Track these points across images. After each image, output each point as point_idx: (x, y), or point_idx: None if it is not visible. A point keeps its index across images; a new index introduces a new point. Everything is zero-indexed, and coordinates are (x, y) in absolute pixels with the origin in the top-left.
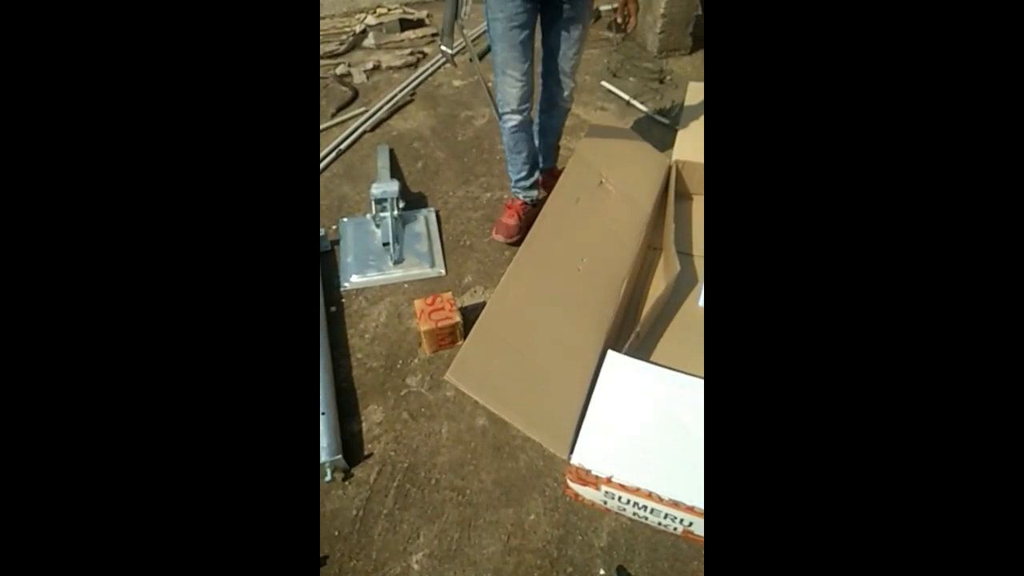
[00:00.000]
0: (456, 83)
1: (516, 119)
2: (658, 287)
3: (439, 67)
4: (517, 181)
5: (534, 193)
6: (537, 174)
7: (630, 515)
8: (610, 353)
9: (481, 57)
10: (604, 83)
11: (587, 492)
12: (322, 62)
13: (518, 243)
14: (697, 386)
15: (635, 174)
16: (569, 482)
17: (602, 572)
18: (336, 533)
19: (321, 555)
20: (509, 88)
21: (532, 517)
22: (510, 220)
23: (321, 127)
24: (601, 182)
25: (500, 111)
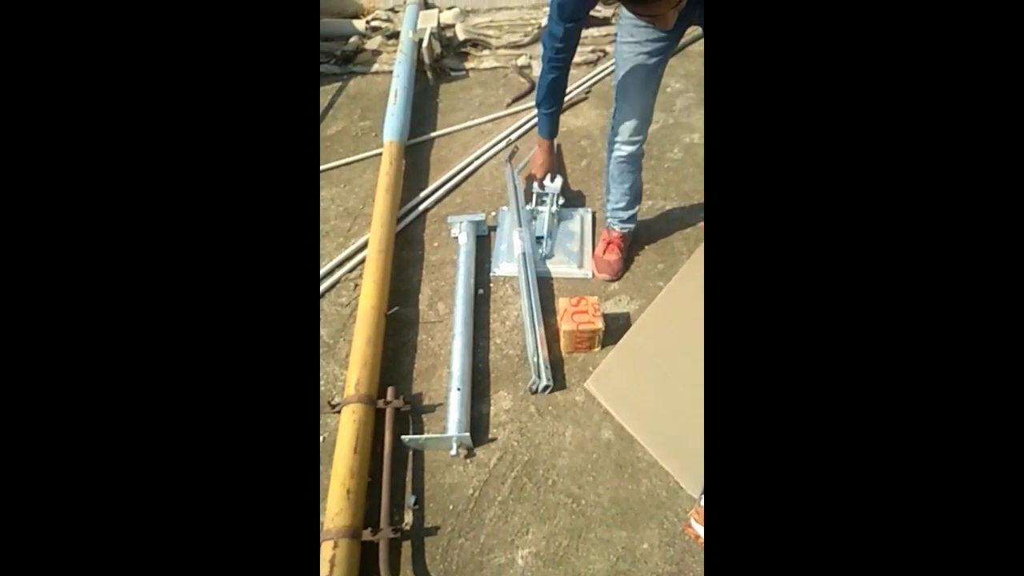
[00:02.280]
0: None
1: (627, 150)
2: None
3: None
4: (615, 211)
5: (632, 226)
6: (637, 207)
7: None
8: None
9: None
10: None
11: None
12: (504, 52)
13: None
14: None
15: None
16: (692, 522)
17: None
18: (451, 507)
19: (433, 525)
20: (626, 117)
21: (645, 546)
22: (612, 256)
23: (496, 115)
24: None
25: (611, 139)
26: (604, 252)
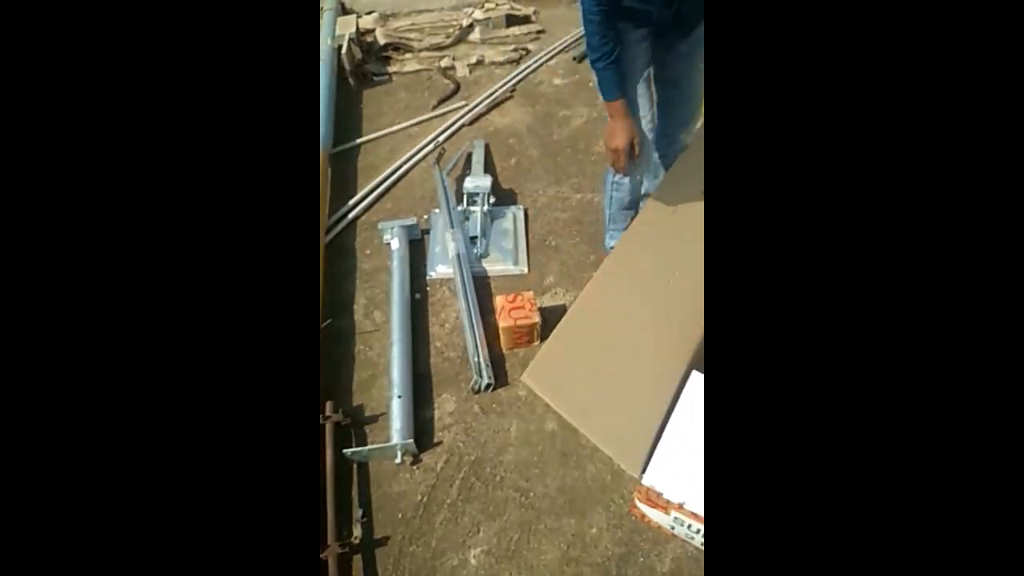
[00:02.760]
0: (557, 81)
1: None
2: None
3: (541, 65)
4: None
5: None
6: None
7: (698, 544)
8: (694, 374)
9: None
10: None
11: (655, 515)
12: (427, 54)
13: None
14: None
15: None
16: (637, 502)
17: None
18: (400, 516)
19: (383, 535)
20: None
21: (594, 531)
22: None
23: (422, 118)
24: (703, 191)
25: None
26: None
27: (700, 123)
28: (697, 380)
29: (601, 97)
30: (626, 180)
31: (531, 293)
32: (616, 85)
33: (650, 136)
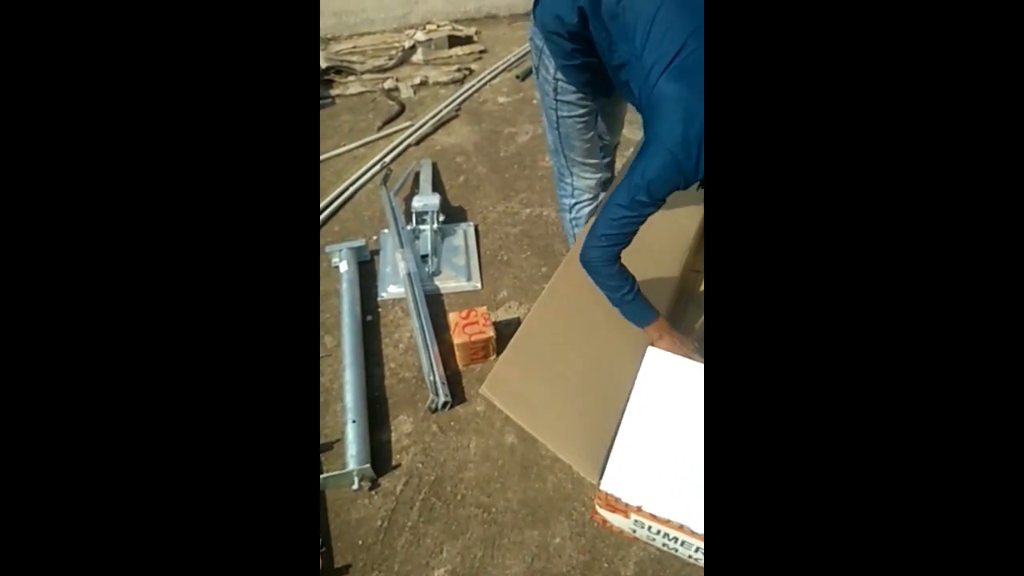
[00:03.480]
0: (501, 100)
1: (593, 205)
2: (700, 311)
3: (484, 84)
4: None
5: None
6: None
7: (659, 546)
8: (649, 349)
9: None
10: None
11: (615, 519)
12: (371, 76)
13: None
14: None
15: (678, 194)
16: (597, 508)
17: None
18: (360, 542)
19: (344, 564)
20: (590, 175)
21: (558, 540)
22: None
23: (367, 140)
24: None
25: (572, 201)
26: None
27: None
28: (652, 356)
29: (638, 327)
30: (583, 212)
31: (484, 308)
32: (647, 307)
33: (602, 176)
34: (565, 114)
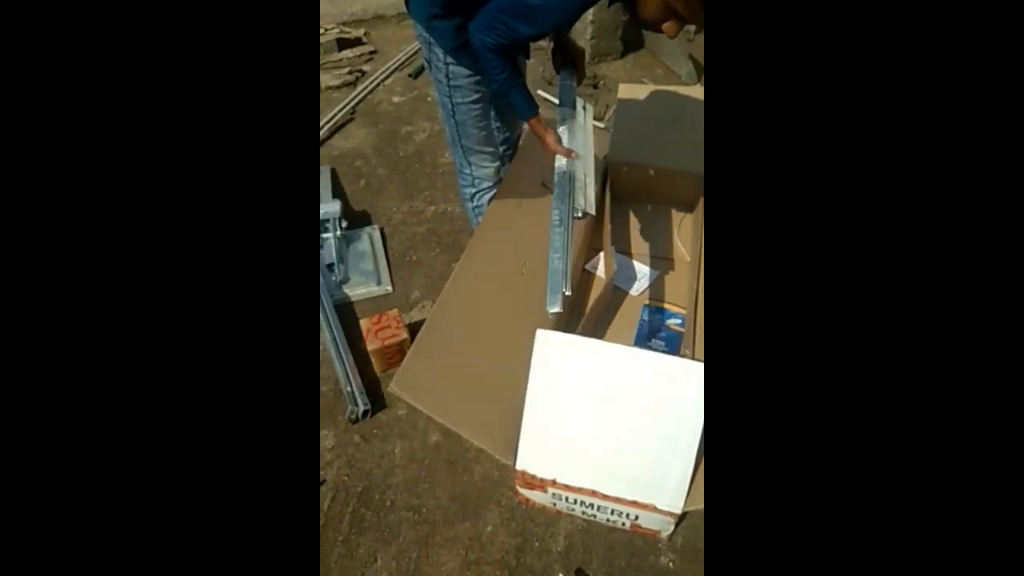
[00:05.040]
0: (396, 99)
1: (493, 192)
2: (598, 288)
3: (378, 85)
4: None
5: None
6: None
7: (580, 514)
8: (539, 332)
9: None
10: (540, 92)
11: (536, 496)
12: None
13: None
14: (630, 354)
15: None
16: (519, 488)
17: None
18: None
19: None
20: (488, 163)
21: (489, 529)
22: None
23: None
24: (543, 183)
25: (472, 191)
26: None
27: (525, 128)
28: (542, 338)
29: (522, 118)
30: (484, 199)
31: (396, 311)
32: (528, 100)
33: (499, 163)
34: (459, 100)
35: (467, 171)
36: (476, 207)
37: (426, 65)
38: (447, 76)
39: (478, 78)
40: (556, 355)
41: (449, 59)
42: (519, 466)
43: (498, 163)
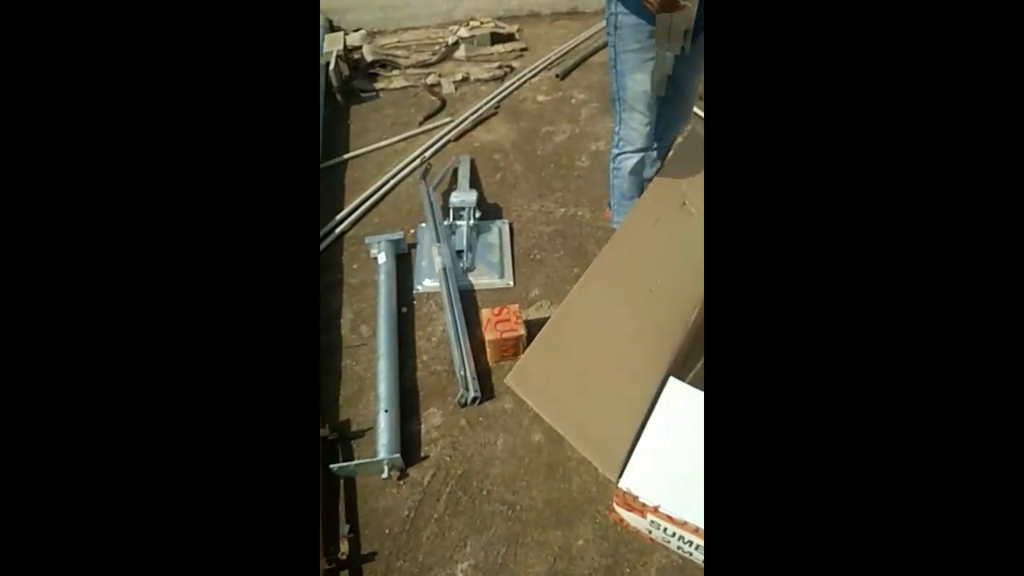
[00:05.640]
0: (540, 98)
1: (637, 158)
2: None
3: (524, 82)
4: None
5: None
6: None
7: (675, 548)
8: (671, 380)
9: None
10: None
11: (632, 519)
12: (413, 71)
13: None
14: None
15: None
16: (615, 506)
17: None
18: (387, 531)
19: (370, 551)
20: (637, 126)
21: (581, 543)
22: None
23: (409, 134)
24: (684, 203)
25: (618, 151)
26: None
27: (690, 126)
28: (674, 386)
29: None
30: (623, 164)
31: (516, 306)
32: None
33: (650, 127)
34: (621, 48)
35: (617, 128)
36: (615, 168)
37: (606, 24)
38: (615, 27)
39: (641, 25)
40: (682, 404)
41: (620, 8)
42: (623, 484)
43: (648, 128)
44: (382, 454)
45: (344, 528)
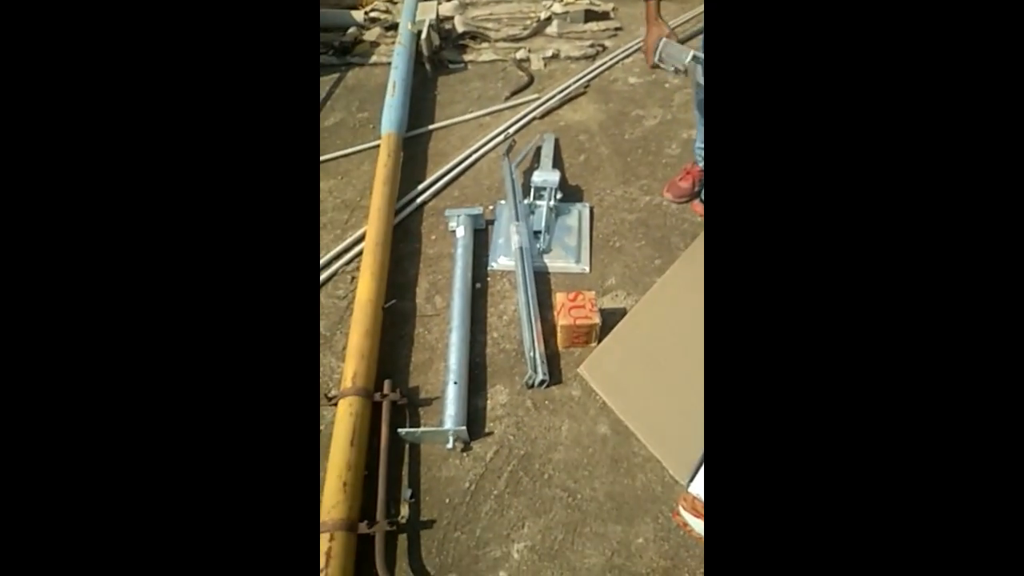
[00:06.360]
0: (632, 80)
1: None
2: None
3: (616, 63)
4: (699, 148)
5: None
6: None
7: None
8: None
9: None
10: None
11: (697, 524)
12: (504, 45)
13: (686, 203)
14: None
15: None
16: (681, 509)
17: None
18: (447, 500)
19: (429, 518)
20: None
21: (640, 540)
22: (684, 183)
23: (494, 108)
24: None
25: (698, 143)
26: (680, 179)
27: None
28: None
29: None
30: (698, 147)
31: (593, 293)
32: None
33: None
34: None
35: (699, 126)
36: (698, 147)
37: None
38: None
39: None
40: None
41: None
42: (692, 489)
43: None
44: (448, 424)
45: (407, 492)
